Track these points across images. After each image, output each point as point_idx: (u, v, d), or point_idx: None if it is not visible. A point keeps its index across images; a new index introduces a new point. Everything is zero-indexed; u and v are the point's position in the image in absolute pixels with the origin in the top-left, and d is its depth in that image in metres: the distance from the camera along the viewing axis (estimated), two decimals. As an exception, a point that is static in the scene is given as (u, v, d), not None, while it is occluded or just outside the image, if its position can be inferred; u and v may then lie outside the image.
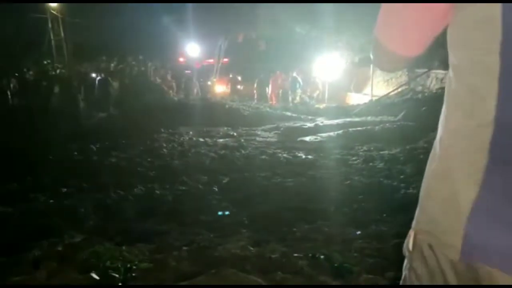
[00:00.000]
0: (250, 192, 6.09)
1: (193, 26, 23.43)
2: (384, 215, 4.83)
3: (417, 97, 14.84)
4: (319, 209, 5.13)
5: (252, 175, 7.09)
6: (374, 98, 17.75)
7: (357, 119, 13.35)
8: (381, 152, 8.90)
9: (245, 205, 5.48)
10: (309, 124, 13.07)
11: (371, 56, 1.09)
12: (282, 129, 12.63)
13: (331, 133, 11.26)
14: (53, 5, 24.60)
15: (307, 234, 4.19)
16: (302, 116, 15.33)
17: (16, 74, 23.75)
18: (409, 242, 0.99)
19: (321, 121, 13.75)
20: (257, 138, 11.35)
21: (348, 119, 13.43)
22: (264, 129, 12.84)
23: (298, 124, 13.37)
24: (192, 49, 25.02)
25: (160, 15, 24.10)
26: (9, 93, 21.29)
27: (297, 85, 19.83)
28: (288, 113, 15.85)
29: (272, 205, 5.33)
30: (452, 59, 0.93)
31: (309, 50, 19.80)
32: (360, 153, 9.04)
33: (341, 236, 4.11)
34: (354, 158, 8.47)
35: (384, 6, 0.97)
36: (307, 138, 11.03)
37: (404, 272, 1.02)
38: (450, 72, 0.93)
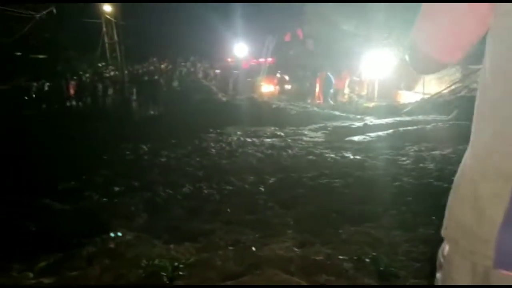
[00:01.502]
0: (296, 193, 6.08)
1: (241, 27, 23.68)
2: (433, 218, 4.68)
3: (471, 95, 14.23)
4: (366, 211, 5.05)
5: (298, 176, 7.08)
6: (425, 96, 17.20)
7: (407, 118, 13.00)
8: (432, 153, 8.63)
9: (291, 205, 5.48)
10: (357, 124, 12.85)
11: (407, 58, 1.08)
12: (329, 128, 12.51)
13: (380, 133, 11.03)
14: (107, 9, 25.54)
15: (352, 236, 4.14)
16: (351, 115, 15.09)
17: (74, 77, 24.91)
18: (444, 249, 0.98)
19: (370, 120, 13.49)
20: (304, 138, 11.31)
21: (398, 118, 13.10)
22: (311, 129, 12.76)
23: (346, 124, 13.18)
24: (240, 49, 25.26)
25: (209, 17, 24.49)
26: (66, 94, 22.39)
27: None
28: (336, 112, 15.65)
29: (318, 206, 5.30)
30: (490, 65, 0.90)
31: (357, 47, 19.45)
32: (410, 153, 8.81)
33: (387, 239, 4.04)
34: (403, 159, 8.27)
35: (422, 9, 0.96)
36: (356, 138, 10.86)
37: (437, 279, 1.01)
38: (487, 79, 0.91)
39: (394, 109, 15.70)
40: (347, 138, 10.85)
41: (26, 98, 22.19)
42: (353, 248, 3.71)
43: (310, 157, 8.67)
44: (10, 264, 3.70)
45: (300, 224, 4.73)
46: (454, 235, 0.94)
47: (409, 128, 11.12)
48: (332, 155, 8.76)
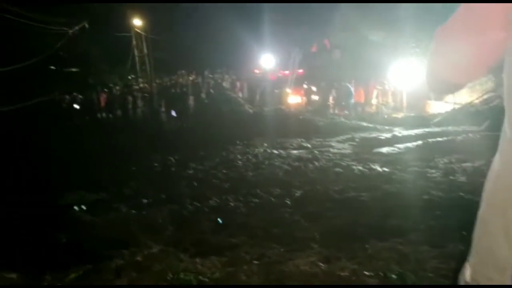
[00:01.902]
0: (322, 206, 6.05)
1: (268, 38, 23.84)
2: (464, 233, 4.57)
3: (504, 105, 13.86)
4: (393, 225, 4.97)
5: (325, 188, 7.04)
6: (456, 106, 16.84)
7: (437, 129, 12.75)
8: (463, 165, 8.43)
9: (317, 219, 5.45)
10: (385, 135, 12.69)
11: (425, 79, 1.09)
12: (357, 140, 12.39)
13: (409, 144, 10.86)
14: (137, 23, 26.12)
15: (379, 252, 4.08)
16: (379, 126, 14.91)
17: (105, 89, 25.55)
18: (466, 274, 0.98)
19: (398, 131, 13.29)
20: (331, 150, 11.22)
21: (428, 129, 12.87)
22: (339, 140, 12.67)
23: (374, 135, 13.04)
24: (267, 61, 25.41)
25: (236, 29, 24.74)
26: (97, 106, 22.97)
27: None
28: (364, 123, 15.50)
29: (344, 220, 5.26)
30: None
31: (385, 58, 19.26)
32: (440, 165, 8.62)
33: (415, 255, 3.96)
34: (433, 171, 8.10)
35: (437, 34, 0.97)
36: (384, 150, 10.73)
37: None
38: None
39: (423, 120, 15.43)
40: (375, 150, 10.73)
41: (59, 110, 22.89)
42: (380, 264, 3.66)
43: (337, 169, 8.60)
44: (42, 275, 3.81)
45: (326, 238, 4.70)
46: (481, 260, 0.94)
47: (439, 139, 10.90)
48: (359, 167, 8.67)
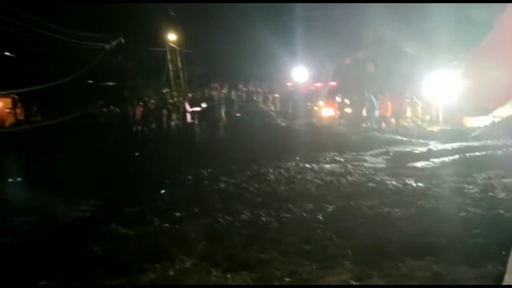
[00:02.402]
0: (355, 222, 5.96)
1: (300, 51, 23.87)
2: (503, 253, 4.41)
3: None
4: (428, 243, 4.84)
5: (357, 204, 6.94)
6: (496, 120, 16.32)
7: (475, 143, 12.37)
8: (503, 180, 8.14)
9: (349, 235, 5.38)
10: (421, 149, 12.40)
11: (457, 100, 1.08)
12: (391, 154, 12.16)
13: (446, 159, 10.60)
14: (172, 38, 26.67)
15: (413, 270, 3.99)
16: (414, 140, 14.60)
17: (140, 103, 26.15)
18: None
19: (434, 145, 12.99)
20: (365, 164, 11.08)
21: (465, 143, 12.50)
22: (372, 154, 12.49)
23: (408, 149, 12.77)
24: (299, 74, 25.42)
25: (269, 42, 24.92)
26: (132, 120, 23.52)
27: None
28: (398, 137, 15.23)
29: (377, 237, 5.16)
30: None
31: (420, 69, 18.93)
32: (478, 181, 8.36)
33: (451, 275, 3.85)
34: (470, 187, 7.86)
35: (469, 57, 0.97)
36: (419, 164, 10.50)
37: None
38: None
39: (461, 134, 15.01)
40: (410, 164, 10.51)
41: (96, 123, 23.57)
42: (414, 283, 3.58)
43: (370, 184, 8.47)
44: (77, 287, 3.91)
45: (358, 256, 4.63)
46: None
47: (477, 153, 10.57)
48: (393, 182, 8.50)
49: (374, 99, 18.68)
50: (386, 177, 9.05)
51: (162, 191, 6.82)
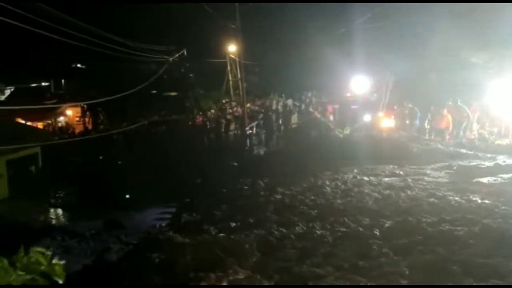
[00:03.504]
0: (414, 239, 5.76)
1: (360, 62, 23.50)
2: None
3: None
4: (493, 265, 4.59)
5: (417, 220, 6.70)
6: None
7: (548, 158, 11.61)
8: None
9: (407, 253, 5.21)
10: (487, 163, 11.77)
11: None
12: (455, 168, 11.63)
13: (515, 174, 10.00)
14: (232, 49, 27.23)
15: (475, 294, 3.80)
16: (480, 154, 13.90)
17: (200, 113, 26.86)
18: None
19: (502, 159, 12.28)
20: (426, 178, 10.67)
21: (537, 158, 11.76)
22: (434, 168, 12.01)
23: (474, 163, 12.14)
24: (359, 84, 24.99)
25: (327, 53, 24.77)
26: (193, 129, 24.19)
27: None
28: (463, 150, 14.55)
29: (436, 256, 4.96)
30: None
31: (488, 80, 18.03)
32: (551, 199, 7.82)
33: (517, 301, 3.63)
34: (542, 206, 7.37)
35: None
36: (485, 180, 9.96)
37: None
38: None
39: (533, 147, 14.14)
40: (475, 180, 9.99)
41: (158, 132, 24.45)
42: None
43: (431, 199, 8.15)
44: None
45: (416, 275, 4.48)
46: None
47: (550, 169, 9.91)
48: (457, 198, 8.13)
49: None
50: (449, 193, 8.67)
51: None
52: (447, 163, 12.36)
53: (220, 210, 8.35)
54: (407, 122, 19.21)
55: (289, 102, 26.77)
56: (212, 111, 27.27)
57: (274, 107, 25.44)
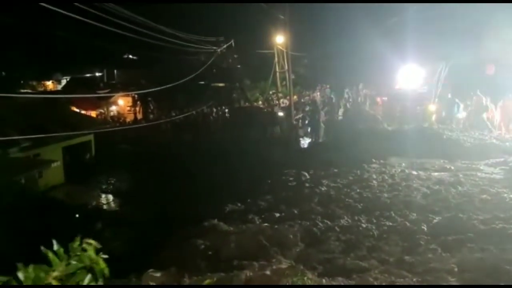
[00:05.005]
0: (464, 236, 5.58)
1: (411, 53, 22.78)
2: None
3: None
4: (549, 266, 4.38)
5: (467, 217, 6.47)
6: None
7: None
8: None
9: (456, 250, 5.06)
10: (548, 160, 11.16)
11: None
12: (511, 164, 11.09)
13: None
14: (279, 41, 27.13)
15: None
16: (540, 150, 13.17)
17: (247, 104, 26.99)
18: None
19: None
20: (478, 174, 10.24)
21: None
22: (488, 164, 11.49)
23: (532, 159, 11.54)
24: (409, 76, 24.26)
25: (377, 45, 24.17)
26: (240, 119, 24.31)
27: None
28: (521, 145, 13.83)
29: (488, 254, 4.78)
30: None
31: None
32: None
33: None
34: None
35: None
36: (543, 177, 9.46)
37: None
38: None
39: None
40: (532, 177, 9.52)
41: (207, 122, 24.83)
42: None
43: (484, 196, 7.83)
44: (182, 278, 4.18)
45: (465, 273, 4.35)
46: None
47: None
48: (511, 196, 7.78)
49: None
50: (503, 190, 8.29)
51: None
52: (502, 159, 11.80)
53: (265, 200, 8.41)
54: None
55: (337, 94, 26.40)
56: (260, 102, 27.31)
57: (321, 99, 25.16)
